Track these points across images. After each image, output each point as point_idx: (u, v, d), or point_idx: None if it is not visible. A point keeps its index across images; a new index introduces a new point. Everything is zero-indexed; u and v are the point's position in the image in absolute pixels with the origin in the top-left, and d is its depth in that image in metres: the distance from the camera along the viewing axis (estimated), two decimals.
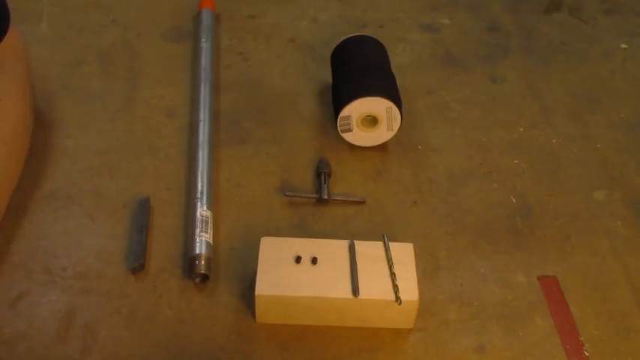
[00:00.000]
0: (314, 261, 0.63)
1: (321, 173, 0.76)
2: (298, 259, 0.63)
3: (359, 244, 0.64)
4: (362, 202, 0.75)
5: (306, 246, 0.64)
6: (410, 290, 0.61)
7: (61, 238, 0.70)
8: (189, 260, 0.67)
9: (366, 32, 0.85)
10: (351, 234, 0.70)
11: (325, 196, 0.74)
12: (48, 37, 0.94)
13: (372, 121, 0.77)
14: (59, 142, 0.79)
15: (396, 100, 0.76)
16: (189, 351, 0.62)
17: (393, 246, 0.64)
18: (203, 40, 0.91)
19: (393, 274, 0.62)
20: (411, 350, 0.63)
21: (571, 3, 1.04)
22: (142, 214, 0.71)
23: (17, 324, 0.63)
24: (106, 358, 0.61)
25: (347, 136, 0.79)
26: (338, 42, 0.84)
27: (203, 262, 0.66)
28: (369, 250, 0.64)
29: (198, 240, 0.68)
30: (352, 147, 0.80)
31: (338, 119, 0.76)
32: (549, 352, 0.63)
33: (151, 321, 0.64)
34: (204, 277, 0.66)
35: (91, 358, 0.61)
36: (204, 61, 0.88)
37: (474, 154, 0.81)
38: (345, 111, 0.75)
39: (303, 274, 0.62)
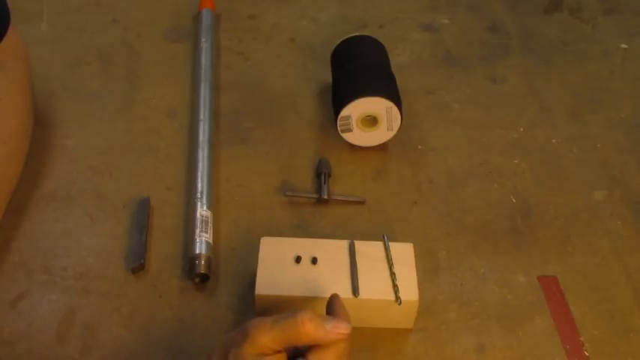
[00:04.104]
0: (314, 261, 0.63)
1: (321, 173, 0.76)
2: (298, 259, 0.63)
3: (359, 244, 0.64)
4: (362, 202, 0.75)
5: (306, 246, 0.64)
6: (410, 290, 0.61)
7: (61, 238, 0.70)
8: (189, 260, 0.67)
9: (366, 32, 0.85)
10: (351, 234, 0.70)
11: (325, 196, 0.74)
12: (48, 37, 0.94)
13: (372, 121, 0.77)
14: (59, 142, 0.79)
15: (396, 100, 0.76)
16: (189, 351, 0.62)
17: (393, 246, 0.64)
18: (203, 40, 0.91)
19: (393, 274, 0.62)
20: (411, 350, 0.63)
21: (571, 3, 1.04)
22: (142, 214, 0.71)
23: (17, 324, 0.63)
24: (106, 358, 0.61)
25: (347, 136, 0.78)
26: (338, 42, 0.84)
27: (203, 262, 0.66)
28: (369, 250, 0.64)
29: (198, 240, 0.68)
30: (352, 147, 0.80)
31: (338, 119, 0.76)
32: (549, 352, 0.63)
33: (151, 321, 0.64)
34: (204, 277, 0.66)
35: (91, 358, 0.61)
36: (204, 61, 0.88)
37: (473, 154, 0.81)
38: (345, 111, 0.75)
39: (303, 274, 0.62)
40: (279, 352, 0.49)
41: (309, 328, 0.48)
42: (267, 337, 0.48)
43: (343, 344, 0.50)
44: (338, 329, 0.49)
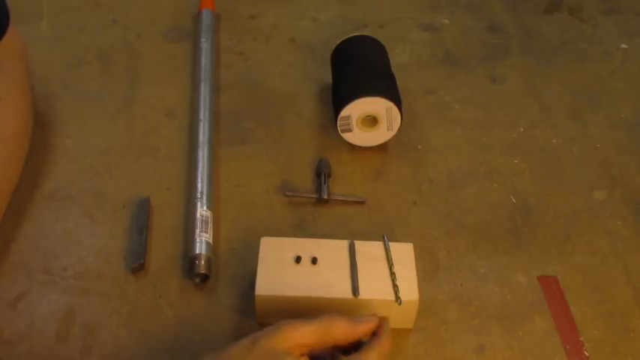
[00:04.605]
0: (314, 261, 0.63)
1: (321, 173, 0.76)
2: (298, 259, 0.63)
3: (359, 244, 0.64)
4: (362, 202, 0.75)
5: (306, 246, 0.64)
6: (410, 290, 0.61)
7: (61, 238, 0.70)
8: (189, 260, 0.67)
9: (366, 32, 0.85)
10: (351, 234, 0.70)
11: (325, 196, 0.74)
12: (48, 37, 0.94)
13: (372, 121, 0.77)
14: (59, 142, 0.79)
15: (396, 100, 0.76)
16: (189, 351, 0.61)
17: (393, 246, 0.64)
18: (203, 40, 0.91)
19: (393, 274, 0.62)
20: (411, 350, 0.63)
21: (571, 3, 1.04)
22: (142, 214, 0.71)
23: (17, 324, 0.63)
24: (106, 358, 0.61)
25: (347, 136, 0.79)
26: (338, 42, 0.84)
27: (203, 262, 0.66)
28: (369, 250, 0.64)
29: (198, 240, 0.68)
30: (352, 147, 0.80)
31: (338, 119, 0.76)
32: (549, 352, 0.63)
33: (151, 321, 0.64)
34: (204, 277, 0.66)
35: (91, 358, 0.61)
36: (204, 61, 0.88)
37: (473, 154, 0.81)
38: (345, 111, 0.75)
39: (303, 274, 0.62)
40: (303, 355, 0.51)
41: (340, 322, 0.52)
42: (298, 331, 0.50)
43: (386, 344, 0.53)
44: (366, 319, 0.54)
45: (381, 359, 0.53)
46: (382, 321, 0.56)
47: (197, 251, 0.67)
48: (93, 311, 0.64)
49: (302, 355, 0.51)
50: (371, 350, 0.52)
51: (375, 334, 0.55)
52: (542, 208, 0.75)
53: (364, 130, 0.78)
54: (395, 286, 0.61)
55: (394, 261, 0.63)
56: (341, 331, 0.52)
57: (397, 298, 0.60)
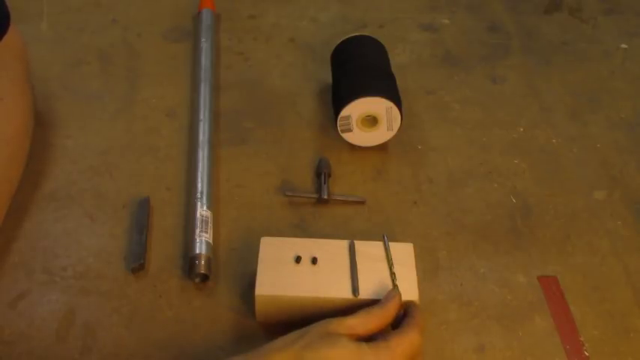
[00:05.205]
0: (314, 261, 0.63)
1: (321, 173, 0.76)
2: (298, 259, 0.63)
3: (359, 244, 0.64)
4: (362, 202, 0.75)
5: (306, 246, 0.64)
6: (410, 290, 0.61)
7: (61, 238, 0.70)
8: (189, 260, 0.67)
9: (366, 32, 0.85)
10: (351, 234, 0.70)
11: (325, 196, 0.74)
12: (48, 37, 0.94)
13: (372, 121, 0.77)
14: (59, 142, 0.79)
15: (396, 100, 0.76)
16: (189, 351, 0.62)
17: (393, 246, 0.64)
18: (203, 40, 0.91)
19: (393, 274, 0.62)
20: None
21: (571, 3, 1.04)
22: (142, 214, 0.71)
23: (17, 324, 0.63)
24: (106, 358, 0.61)
25: (347, 136, 0.79)
26: (338, 42, 0.84)
27: (203, 262, 0.66)
28: (369, 250, 0.64)
29: (198, 240, 0.68)
30: (352, 147, 0.80)
31: (338, 119, 0.76)
32: (549, 352, 0.63)
33: (151, 321, 0.64)
34: (204, 277, 0.66)
35: (91, 358, 0.61)
36: (204, 61, 0.88)
37: (473, 154, 0.81)
38: (345, 111, 0.75)
39: (303, 274, 0.62)
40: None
41: (375, 311, 0.57)
42: (345, 322, 0.55)
43: (421, 321, 0.58)
44: (390, 298, 0.58)
45: (420, 334, 0.56)
46: (411, 303, 0.60)
47: (197, 251, 0.67)
48: (93, 311, 0.64)
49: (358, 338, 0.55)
50: (411, 328, 0.56)
51: (406, 314, 0.58)
52: (542, 208, 0.75)
53: (364, 130, 0.78)
54: (395, 286, 0.61)
55: (394, 261, 0.63)
56: (379, 318, 0.56)
57: None
